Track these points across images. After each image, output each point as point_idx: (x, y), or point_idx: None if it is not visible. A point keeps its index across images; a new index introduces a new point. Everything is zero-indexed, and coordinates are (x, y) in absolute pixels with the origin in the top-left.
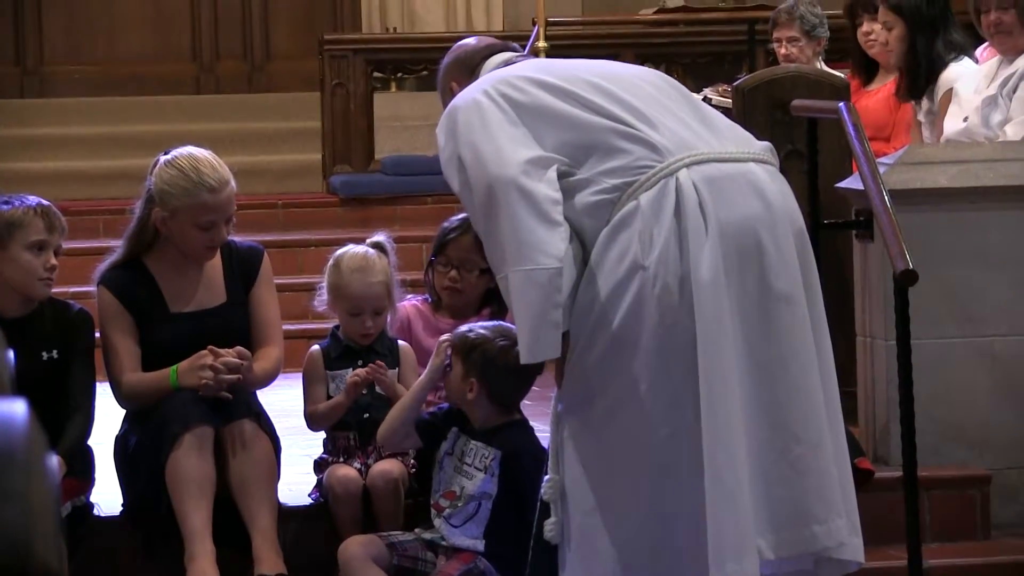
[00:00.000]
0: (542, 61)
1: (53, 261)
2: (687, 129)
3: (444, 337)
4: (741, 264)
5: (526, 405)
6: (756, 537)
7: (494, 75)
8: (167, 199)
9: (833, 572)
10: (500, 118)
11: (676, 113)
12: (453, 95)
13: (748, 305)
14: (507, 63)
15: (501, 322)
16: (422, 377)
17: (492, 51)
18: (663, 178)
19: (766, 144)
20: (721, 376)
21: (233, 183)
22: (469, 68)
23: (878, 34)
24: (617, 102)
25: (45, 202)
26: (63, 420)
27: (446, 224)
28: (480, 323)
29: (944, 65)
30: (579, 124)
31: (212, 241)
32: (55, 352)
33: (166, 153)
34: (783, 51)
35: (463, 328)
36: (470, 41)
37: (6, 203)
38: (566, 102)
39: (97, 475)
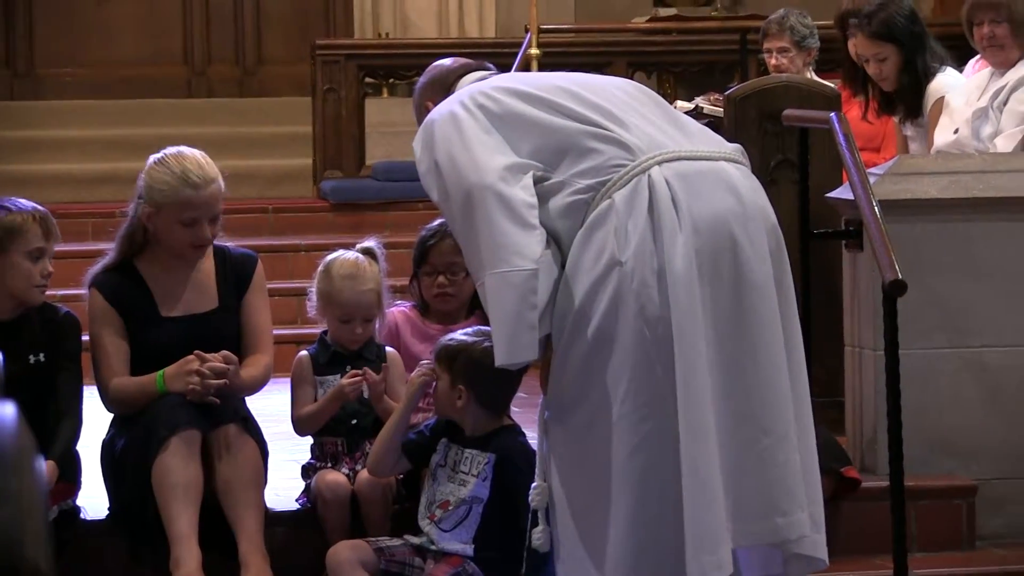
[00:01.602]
0: (517, 73)
1: (50, 268)
2: (658, 130)
3: (422, 365)
4: (715, 257)
5: (516, 413)
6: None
7: (470, 88)
8: (153, 195)
9: (801, 570)
10: (475, 127)
11: (647, 115)
12: (428, 113)
13: (722, 297)
14: (480, 80)
15: (479, 326)
16: (401, 406)
17: (466, 70)
18: (636, 176)
19: (736, 146)
20: (694, 368)
21: (220, 182)
22: (444, 87)
23: (871, 69)
24: (588, 105)
25: (41, 208)
26: (51, 424)
27: (423, 233)
28: (460, 331)
29: (932, 76)
30: (552, 129)
31: (196, 239)
32: (42, 355)
33: (159, 153)
34: (773, 61)
35: (443, 339)
36: (445, 62)
37: (2, 208)
38: (539, 108)
39: (83, 479)
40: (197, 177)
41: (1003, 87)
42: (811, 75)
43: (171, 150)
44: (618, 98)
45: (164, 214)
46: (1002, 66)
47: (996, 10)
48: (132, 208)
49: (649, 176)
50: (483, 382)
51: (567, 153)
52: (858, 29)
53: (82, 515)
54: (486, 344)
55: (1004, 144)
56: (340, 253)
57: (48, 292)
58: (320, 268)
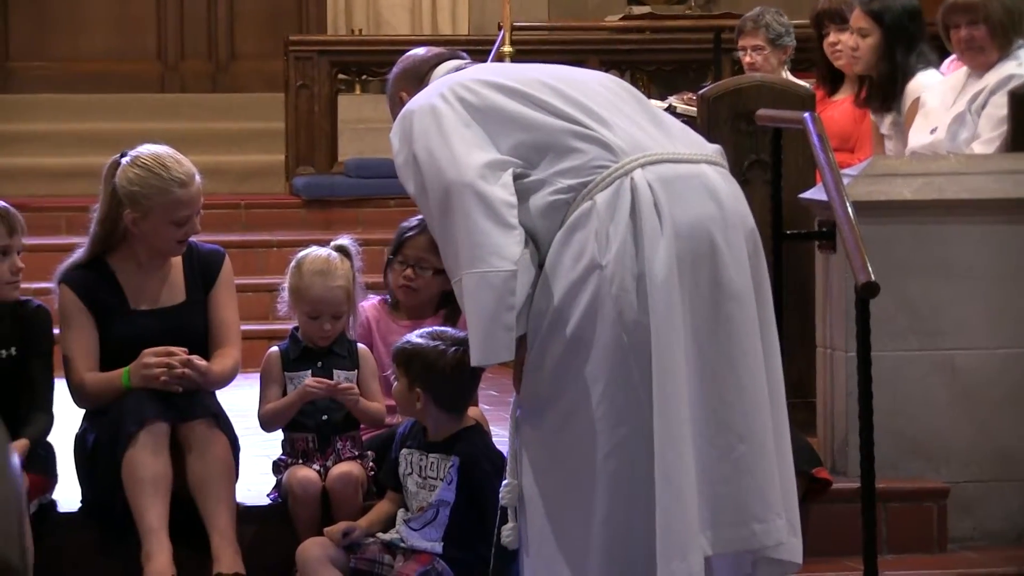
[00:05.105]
0: (496, 64)
1: (19, 264)
2: (640, 130)
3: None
4: (695, 264)
5: (486, 410)
6: (699, 534)
7: (448, 79)
8: (139, 199)
9: (772, 573)
10: (455, 121)
11: (629, 114)
12: (402, 104)
13: (700, 304)
14: (456, 71)
15: (435, 327)
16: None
17: (440, 60)
18: (618, 178)
19: (717, 147)
20: (671, 374)
21: (198, 175)
22: (418, 77)
23: (848, 40)
24: (571, 103)
25: (2, 204)
26: (23, 417)
27: (404, 224)
28: (416, 332)
29: (912, 75)
30: (533, 125)
31: (186, 235)
32: (13, 349)
33: (123, 155)
34: (747, 59)
35: (399, 342)
36: (419, 51)
37: None
38: (521, 103)
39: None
40: (183, 175)
41: (981, 90)
42: (786, 74)
43: (141, 151)
44: (601, 95)
45: (154, 217)
46: (981, 68)
47: (972, 12)
48: (102, 210)
49: (632, 179)
50: (439, 385)
51: (548, 151)
52: (856, 3)
53: (57, 509)
54: (440, 347)
55: (982, 150)
56: (312, 249)
57: (22, 285)
58: (292, 264)
